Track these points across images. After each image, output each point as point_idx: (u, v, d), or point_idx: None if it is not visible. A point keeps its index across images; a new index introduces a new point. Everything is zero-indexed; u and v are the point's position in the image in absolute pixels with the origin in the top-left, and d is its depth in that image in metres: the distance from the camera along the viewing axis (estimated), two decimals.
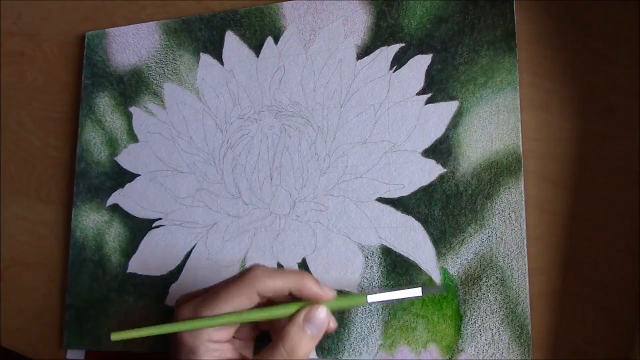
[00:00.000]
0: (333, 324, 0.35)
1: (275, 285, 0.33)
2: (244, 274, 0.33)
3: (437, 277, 0.37)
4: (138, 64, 0.47)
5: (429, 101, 0.39)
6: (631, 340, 0.33)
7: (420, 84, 0.39)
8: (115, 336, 0.32)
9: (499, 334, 0.35)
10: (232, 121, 0.43)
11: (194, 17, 0.45)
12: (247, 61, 0.44)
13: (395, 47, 0.40)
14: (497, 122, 0.37)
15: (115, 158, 0.46)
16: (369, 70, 0.40)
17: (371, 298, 0.34)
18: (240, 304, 0.33)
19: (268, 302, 0.34)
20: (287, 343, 0.32)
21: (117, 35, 0.48)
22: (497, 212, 0.36)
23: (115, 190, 0.45)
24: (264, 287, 0.33)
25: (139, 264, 0.44)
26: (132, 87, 0.46)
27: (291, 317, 0.33)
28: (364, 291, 0.38)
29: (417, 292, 0.34)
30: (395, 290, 0.34)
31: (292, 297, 0.34)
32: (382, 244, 0.38)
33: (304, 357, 0.33)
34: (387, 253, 0.38)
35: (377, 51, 0.40)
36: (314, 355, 0.39)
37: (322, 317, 0.33)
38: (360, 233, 0.39)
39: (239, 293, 0.33)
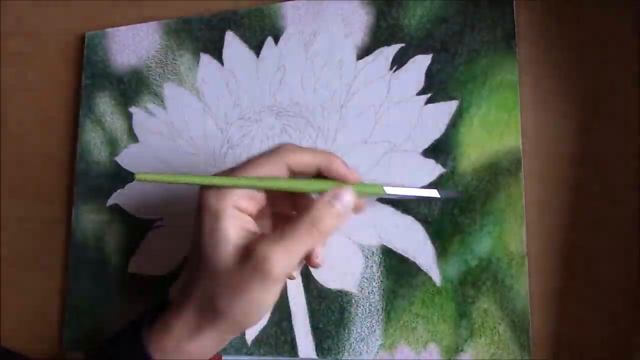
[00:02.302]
0: (361, 205, 0.35)
1: (304, 159, 0.33)
2: (275, 148, 0.34)
3: (437, 277, 0.37)
4: (138, 64, 0.47)
5: (429, 101, 0.39)
6: (631, 340, 0.33)
7: (420, 84, 0.39)
8: (140, 177, 0.32)
9: (499, 334, 0.35)
10: (233, 121, 0.43)
11: (194, 17, 0.45)
12: (247, 61, 0.44)
13: (395, 47, 0.40)
14: (497, 122, 0.37)
15: (115, 158, 0.46)
16: (369, 71, 0.40)
17: (388, 190, 0.35)
18: (269, 173, 0.33)
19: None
20: (313, 213, 0.32)
21: (117, 36, 0.48)
22: (497, 212, 0.36)
23: (115, 190, 0.45)
24: (294, 159, 0.33)
25: (139, 264, 0.44)
26: (132, 87, 0.47)
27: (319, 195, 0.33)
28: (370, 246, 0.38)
29: (433, 192, 0.36)
30: (413, 187, 0.36)
31: (318, 176, 0.34)
32: (382, 244, 0.39)
33: (325, 230, 0.32)
34: (387, 253, 0.38)
35: (377, 51, 0.40)
36: (314, 355, 0.39)
37: (349, 197, 0.33)
38: (360, 233, 0.39)
39: (268, 162, 0.33)
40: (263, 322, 0.40)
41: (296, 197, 0.36)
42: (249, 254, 0.31)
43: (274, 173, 0.33)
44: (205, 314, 0.33)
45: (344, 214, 0.33)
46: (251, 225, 0.33)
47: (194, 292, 0.33)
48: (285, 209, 0.37)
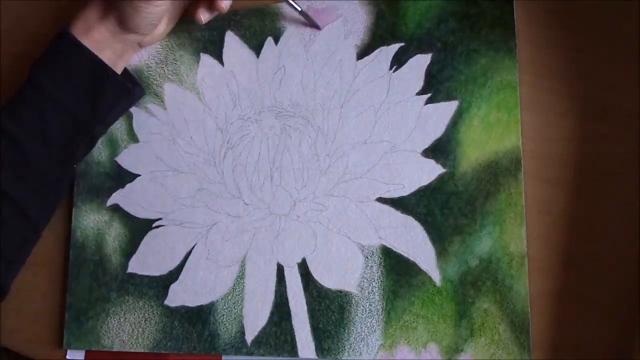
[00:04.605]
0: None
1: None
2: None
3: (437, 277, 0.37)
4: (138, 64, 0.47)
5: (428, 101, 0.39)
6: (631, 340, 0.33)
7: (420, 83, 0.39)
8: None
9: (499, 334, 0.35)
10: (233, 122, 0.43)
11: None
12: (247, 61, 0.44)
13: (395, 47, 0.40)
14: (497, 122, 0.37)
15: (116, 158, 0.46)
16: (369, 71, 0.40)
17: None
18: None
19: None
20: None
21: None
22: (497, 212, 0.36)
23: (115, 191, 0.45)
24: None
25: (139, 264, 0.44)
26: None
27: None
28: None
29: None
30: None
31: None
32: (382, 244, 0.39)
33: None
34: (387, 253, 0.38)
35: (377, 51, 0.40)
36: (313, 355, 0.39)
37: None
38: (360, 233, 0.39)
39: None
40: (263, 322, 0.40)
41: None
42: None
43: None
44: (105, 7, 0.41)
45: None
46: None
47: None
48: None
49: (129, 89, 0.43)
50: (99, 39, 0.41)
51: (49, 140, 0.41)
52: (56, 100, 0.41)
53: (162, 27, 0.44)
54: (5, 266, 0.41)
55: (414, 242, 0.38)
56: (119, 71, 0.43)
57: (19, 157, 0.40)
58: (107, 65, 0.41)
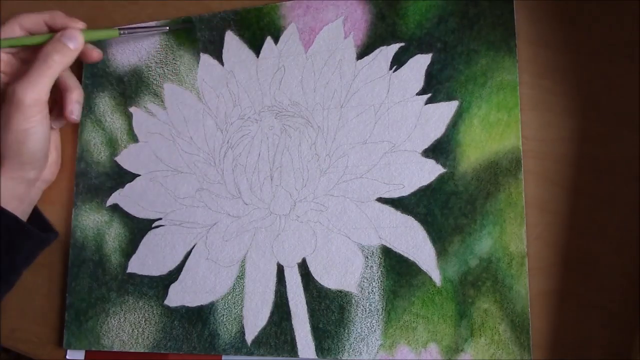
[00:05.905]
0: (97, 53, 0.44)
1: (32, 17, 0.43)
2: (9, 18, 0.43)
3: (437, 277, 0.37)
4: (138, 64, 0.47)
5: (429, 101, 0.39)
6: (631, 341, 0.33)
7: (420, 83, 0.39)
8: None
9: (499, 334, 0.35)
10: (233, 121, 0.43)
11: (194, 17, 0.45)
12: (247, 61, 0.44)
13: (395, 47, 0.40)
14: (497, 122, 0.37)
15: (115, 158, 0.46)
16: (369, 70, 0.40)
17: (123, 31, 0.44)
18: (6, 34, 0.42)
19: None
20: (45, 49, 0.41)
21: None
22: (497, 212, 0.36)
23: (115, 191, 0.45)
24: (24, 18, 0.42)
25: (138, 264, 0.44)
26: (132, 88, 0.46)
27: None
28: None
29: (164, 29, 0.45)
30: (145, 24, 0.45)
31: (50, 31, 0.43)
32: (382, 244, 0.39)
33: (55, 63, 0.40)
34: (387, 253, 0.38)
35: (377, 51, 0.40)
36: (314, 355, 0.39)
37: (77, 35, 0.42)
38: (360, 233, 0.39)
39: (4, 26, 0.42)
40: (263, 322, 0.40)
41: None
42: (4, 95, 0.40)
43: (10, 33, 0.42)
44: None
45: (74, 48, 0.41)
46: (6, 78, 0.43)
47: None
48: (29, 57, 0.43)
49: (46, 241, 0.43)
50: (3, 195, 0.41)
51: None
52: None
53: (53, 154, 0.45)
54: None
55: (414, 242, 0.38)
56: (28, 214, 0.44)
57: None
58: (19, 219, 0.41)
